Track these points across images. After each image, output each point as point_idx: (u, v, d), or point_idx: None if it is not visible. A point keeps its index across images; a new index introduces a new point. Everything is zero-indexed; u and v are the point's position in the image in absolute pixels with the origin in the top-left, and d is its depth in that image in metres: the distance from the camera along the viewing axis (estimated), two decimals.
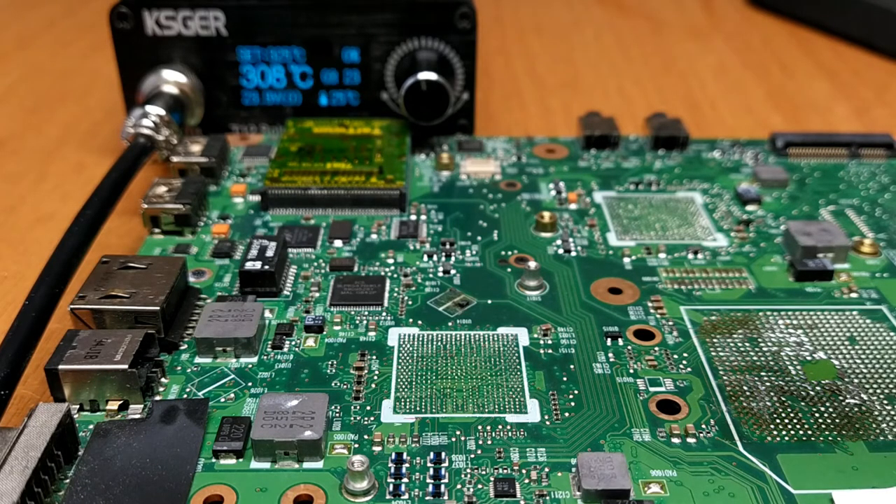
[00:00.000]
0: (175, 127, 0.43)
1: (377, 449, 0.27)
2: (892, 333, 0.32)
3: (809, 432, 0.28)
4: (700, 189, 0.42)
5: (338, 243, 0.38)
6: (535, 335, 0.32)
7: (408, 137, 0.45)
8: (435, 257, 0.37)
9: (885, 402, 0.29)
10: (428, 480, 0.26)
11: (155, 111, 0.42)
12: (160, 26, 0.45)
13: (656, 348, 0.32)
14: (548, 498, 0.25)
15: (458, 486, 0.26)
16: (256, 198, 0.41)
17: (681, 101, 0.55)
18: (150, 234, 0.38)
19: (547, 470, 0.26)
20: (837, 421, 0.28)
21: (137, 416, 0.28)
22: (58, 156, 0.48)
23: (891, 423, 0.28)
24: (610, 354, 0.31)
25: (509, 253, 0.37)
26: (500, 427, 0.28)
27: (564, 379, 0.30)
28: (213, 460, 0.27)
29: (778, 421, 0.28)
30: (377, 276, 0.35)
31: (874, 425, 0.28)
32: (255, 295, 0.34)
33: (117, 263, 0.33)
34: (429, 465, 0.27)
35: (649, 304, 0.34)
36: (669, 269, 0.36)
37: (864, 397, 0.29)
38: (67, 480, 0.26)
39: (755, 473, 0.26)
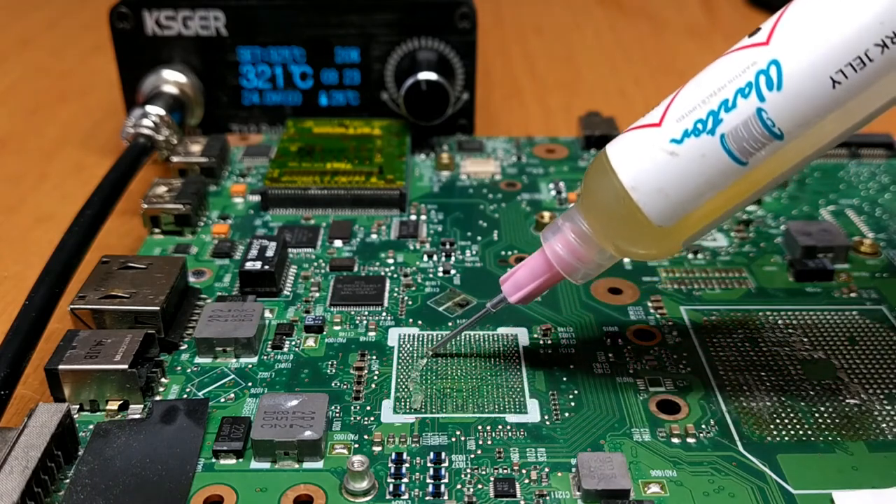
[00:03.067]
0: (175, 127, 0.43)
1: (377, 449, 0.27)
2: (892, 333, 0.32)
3: (809, 432, 0.28)
4: None
5: (338, 243, 0.38)
6: (535, 335, 0.32)
7: (408, 137, 0.45)
8: (435, 257, 0.37)
9: (885, 402, 0.29)
10: (428, 480, 0.26)
11: (155, 111, 0.42)
12: (160, 26, 0.45)
13: (656, 348, 0.32)
14: (548, 498, 0.25)
15: (458, 486, 0.26)
16: (256, 198, 0.41)
17: None
18: (150, 234, 0.38)
19: (547, 470, 0.26)
20: (837, 421, 0.28)
21: (137, 416, 0.28)
22: (58, 156, 0.48)
23: (891, 423, 0.28)
24: (610, 354, 0.31)
25: (509, 253, 0.37)
26: (500, 427, 0.28)
27: (564, 379, 0.30)
28: (213, 460, 0.27)
29: (778, 421, 0.28)
30: (377, 276, 0.35)
31: (874, 425, 0.28)
32: (255, 295, 0.34)
33: (117, 263, 0.33)
34: (429, 465, 0.27)
35: (649, 304, 0.34)
36: (669, 269, 0.36)
37: (864, 397, 0.29)
38: (67, 480, 0.26)
39: (755, 473, 0.26)
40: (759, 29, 0.25)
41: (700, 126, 0.25)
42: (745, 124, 0.24)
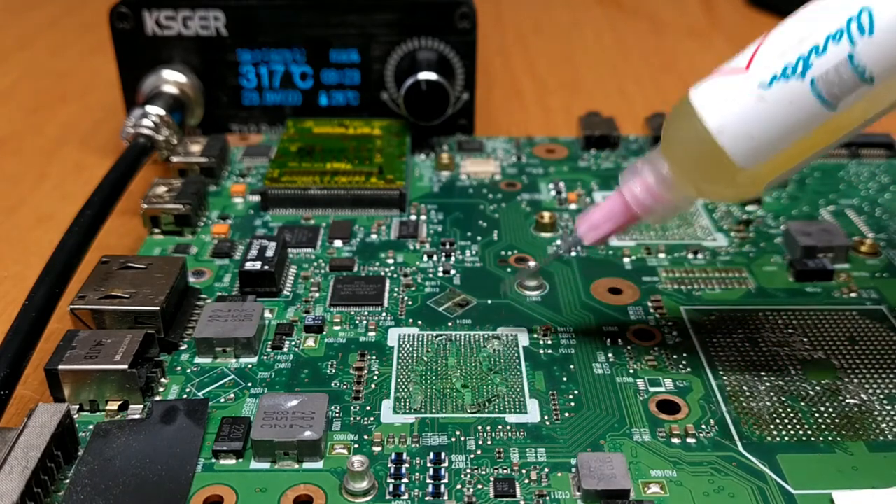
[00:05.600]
0: (175, 127, 0.43)
1: (377, 449, 0.27)
2: (892, 333, 0.32)
3: (809, 432, 0.28)
4: None
5: (338, 243, 0.38)
6: (535, 335, 0.32)
7: (408, 137, 0.45)
8: (435, 257, 0.37)
9: (885, 402, 0.29)
10: (428, 481, 0.26)
11: (155, 111, 0.42)
12: (160, 26, 0.45)
13: (656, 348, 0.32)
14: (548, 498, 0.25)
15: (458, 487, 0.26)
16: (256, 198, 0.41)
17: None
18: (150, 234, 0.38)
19: (547, 470, 0.26)
20: (837, 421, 0.28)
21: (137, 417, 0.28)
22: (58, 156, 0.48)
23: (891, 423, 0.28)
24: (610, 354, 0.31)
25: (509, 253, 0.37)
26: (499, 427, 0.28)
27: (564, 379, 0.30)
28: (213, 460, 0.27)
29: (778, 421, 0.28)
30: (377, 277, 0.35)
31: (874, 425, 0.28)
32: (255, 295, 0.34)
33: (117, 263, 0.33)
34: (428, 465, 0.27)
35: (649, 304, 0.34)
36: (669, 269, 0.36)
37: (864, 397, 0.29)
38: (67, 481, 0.26)
39: (755, 473, 0.26)
40: None
41: (789, 71, 0.25)
42: (836, 69, 0.24)
